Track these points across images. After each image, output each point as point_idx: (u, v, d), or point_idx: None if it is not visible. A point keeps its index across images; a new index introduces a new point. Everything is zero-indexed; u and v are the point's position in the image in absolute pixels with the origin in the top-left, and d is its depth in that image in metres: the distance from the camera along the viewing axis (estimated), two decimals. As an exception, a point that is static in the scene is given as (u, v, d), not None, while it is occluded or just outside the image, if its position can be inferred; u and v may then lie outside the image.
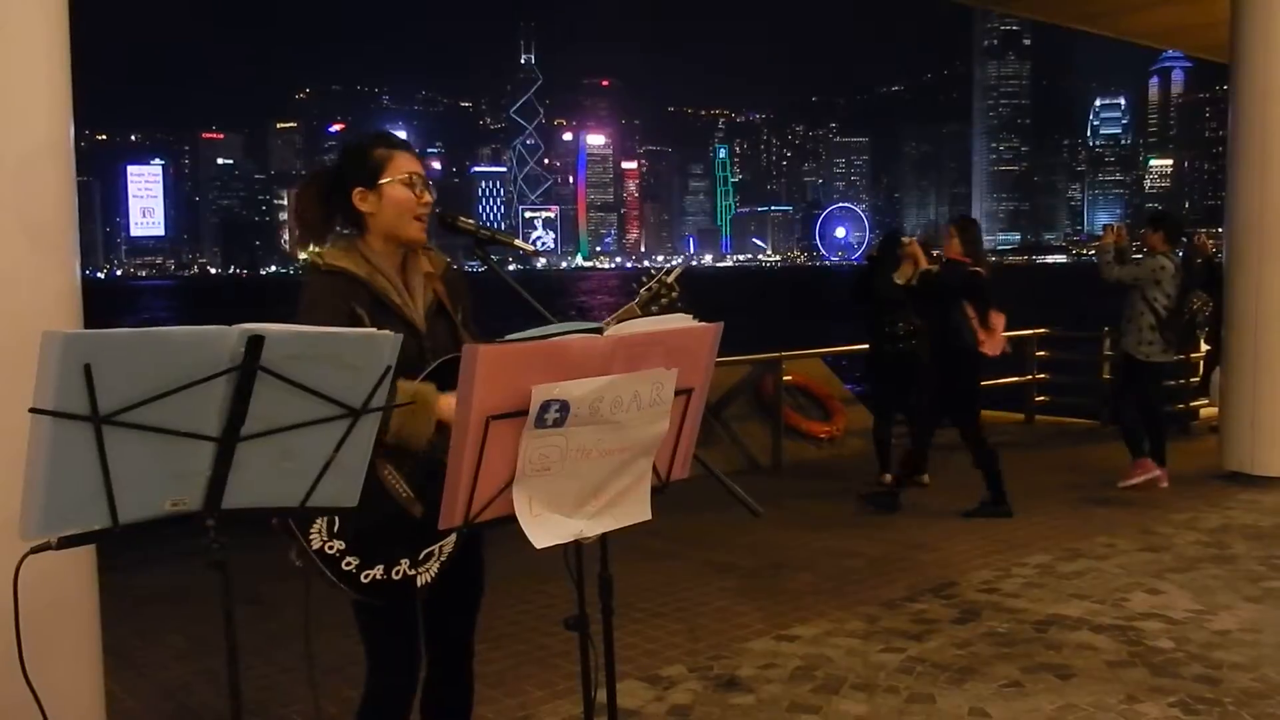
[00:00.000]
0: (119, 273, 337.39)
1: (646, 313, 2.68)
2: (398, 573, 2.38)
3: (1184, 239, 7.94)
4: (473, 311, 2.66)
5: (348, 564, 2.34)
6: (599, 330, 1.95)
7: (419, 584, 2.41)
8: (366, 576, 2.35)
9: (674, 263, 3.33)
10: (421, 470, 2.34)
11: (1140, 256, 7.89)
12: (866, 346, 7.78)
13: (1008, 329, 7.05)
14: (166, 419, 1.62)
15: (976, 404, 7.04)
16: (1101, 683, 4.06)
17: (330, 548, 2.33)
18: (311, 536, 2.32)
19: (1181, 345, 7.87)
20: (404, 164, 2.49)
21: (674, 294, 2.77)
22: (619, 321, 2.54)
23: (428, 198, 2.50)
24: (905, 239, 7.17)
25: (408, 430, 2.27)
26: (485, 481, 1.88)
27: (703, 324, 2.12)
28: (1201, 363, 10.68)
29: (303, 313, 2.37)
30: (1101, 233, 7.83)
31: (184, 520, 1.75)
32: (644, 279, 2.81)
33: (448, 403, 2.29)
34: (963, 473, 7.31)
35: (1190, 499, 7.19)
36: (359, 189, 2.48)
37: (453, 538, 2.45)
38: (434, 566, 2.42)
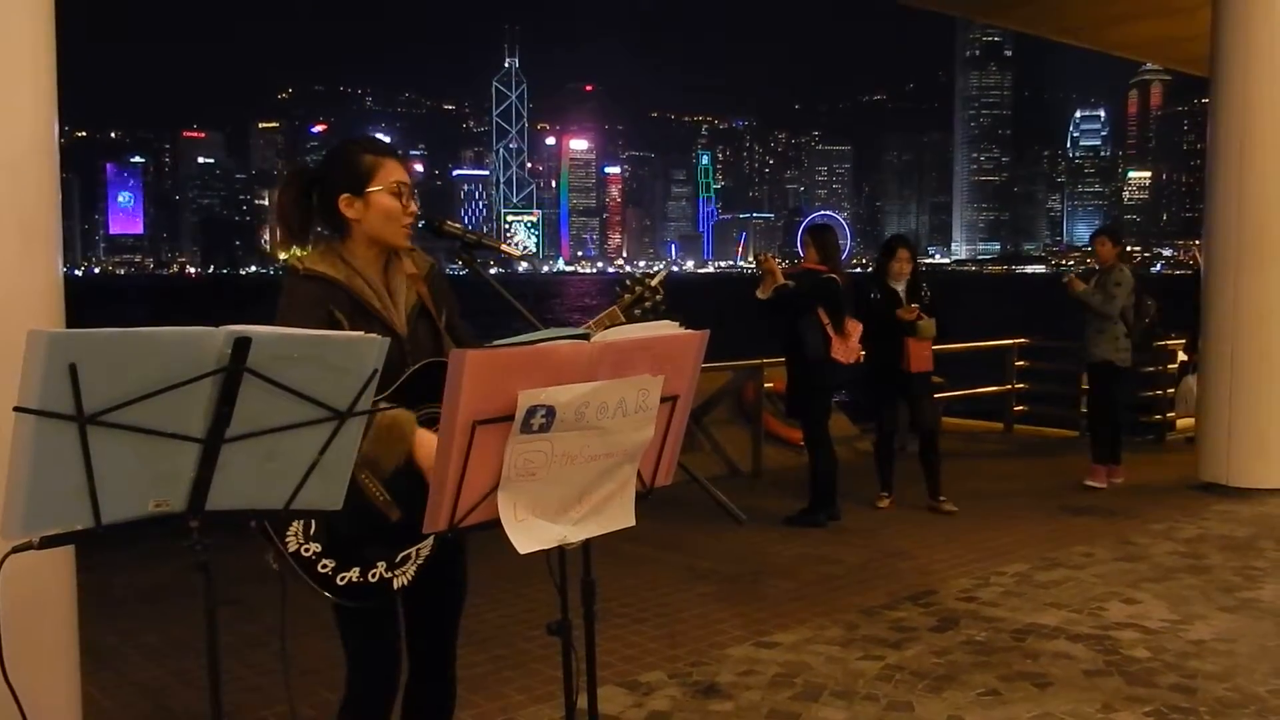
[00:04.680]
0: (97, 270, 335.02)
1: (629, 315, 2.66)
2: (374, 575, 2.39)
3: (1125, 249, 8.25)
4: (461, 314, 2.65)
5: (324, 566, 2.35)
6: (585, 336, 1.96)
7: (395, 586, 2.41)
8: (343, 579, 2.36)
9: (657, 266, 3.31)
10: (399, 475, 2.34)
11: (1111, 273, 7.89)
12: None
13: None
14: (151, 420, 1.61)
15: (822, 409, 7.01)
16: (1078, 691, 4.08)
17: (307, 550, 2.34)
18: (288, 539, 2.32)
19: (1143, 348, 8.09)
20: (392, 172, 2.47)
21: (658, 297, 2.75)
22: (602, 324, 2.54)
23: (413, 207, 2.49)
24: (761, 255, 7.11)
25: (378, 453, 2.25)
26: (470, 486, 1.87)
27: (689, 331, 2.12)
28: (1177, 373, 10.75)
29: (280, 316, 2.36)
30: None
31: (166, 521, 1.74)
32: (628, 281, 2.78)
33: (425, 442, 2.28)
34: (950, 480, 7.33)
35: (1167, 509, 7.24)
36: (345, 195, 2.45)
37: (430, 541, 2.44)
38: (411, 569, 2.42)
